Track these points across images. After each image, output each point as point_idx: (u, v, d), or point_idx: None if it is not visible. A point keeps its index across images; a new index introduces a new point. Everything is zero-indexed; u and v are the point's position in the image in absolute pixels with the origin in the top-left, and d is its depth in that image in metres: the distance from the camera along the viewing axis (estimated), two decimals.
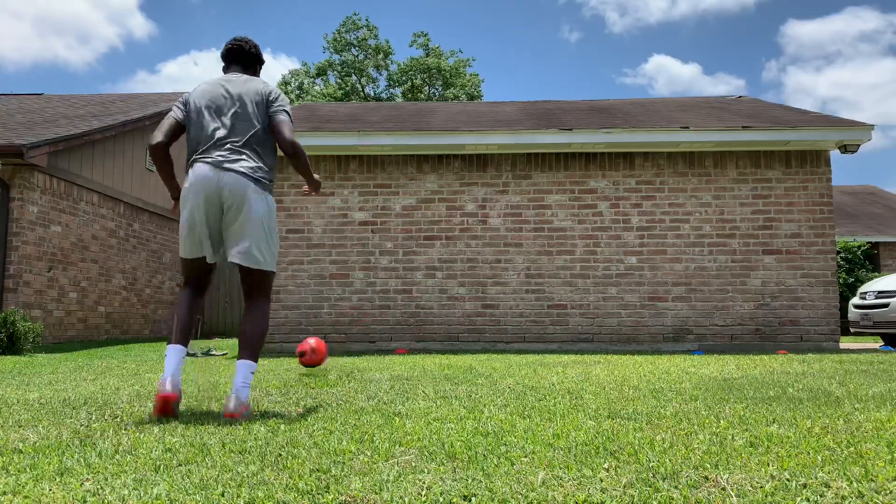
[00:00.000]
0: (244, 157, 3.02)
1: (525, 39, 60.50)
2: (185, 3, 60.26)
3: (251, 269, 3.00)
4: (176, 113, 3.14)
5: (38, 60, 57.22)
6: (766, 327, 8.09)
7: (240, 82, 3.15)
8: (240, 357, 2.93)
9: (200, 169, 2.99)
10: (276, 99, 3.13)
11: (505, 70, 60.04)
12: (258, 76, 3.34)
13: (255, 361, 2.94)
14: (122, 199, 11.92)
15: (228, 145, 3.03)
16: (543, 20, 59.32)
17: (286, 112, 3.13)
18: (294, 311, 8.32)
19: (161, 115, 12.84)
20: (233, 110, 3.07)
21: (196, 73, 59.22)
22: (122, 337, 11.95)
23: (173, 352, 2.93)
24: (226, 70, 3.31)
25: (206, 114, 3.08)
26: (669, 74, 62.14)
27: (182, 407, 3.08)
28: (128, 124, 11.60)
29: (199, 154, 3.03)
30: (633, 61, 63.31)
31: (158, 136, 3.08)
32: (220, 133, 3.04)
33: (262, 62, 3.37)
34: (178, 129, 3.14)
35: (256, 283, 3.04)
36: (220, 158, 2.99)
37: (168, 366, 2.88)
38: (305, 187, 3.49)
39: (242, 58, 3.29)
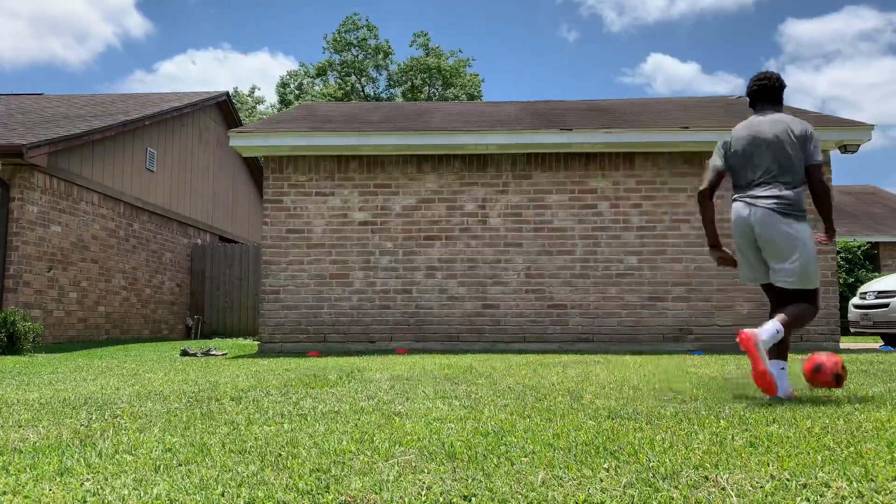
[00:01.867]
0: (774, 191, 3.36)
1: (524, 39, 60.53)
2: (183, 2, 60.28)
3: (788, 289, 3.38)
4: (715, 161, 3.60)
5: (34, 60, 57.19)
6: None
7: (769, 122, 3.46)
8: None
9: (735, 206, 3.48)
10: (810, 139, 3.40)
11: (505, 70, 60.06)
12: (782, 106, 3.61)
13: (784, 326, 3.20)
14: (122, 199, 11.92)
15: (760, 181, 3.41)
16: (542, 20, 59.34)
17: (818, 152, 3.41)
18: (294, 311, 8.32)
19: (161, 116, 12.85)
20: (766, 150, 3.40)
21: (194, 73, 59.23)
22: (122, 337, 11.95)
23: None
24: (754, 106, 3.62)
25: (743, 157, 3.47)
26: (668, 73, 62.17)
27: None
28: (128, 124, 11.60)
29: (735, 194, 3.51)
30: (632, 60, 63.32)
31: (702, 184, 3.62)
32: (752, 173, 3.44)
33: (783, 89, 3.61)
34: (720, 177, 3.58)
35: (791, 295, 3.39)
36: (754, 196, 3.40)
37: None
38: (818, 235, 3.60)
39: (770, 95, 3.57)
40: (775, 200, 3.33)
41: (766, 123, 3.46)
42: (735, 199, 3.51)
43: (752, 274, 3.52)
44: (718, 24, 59.70)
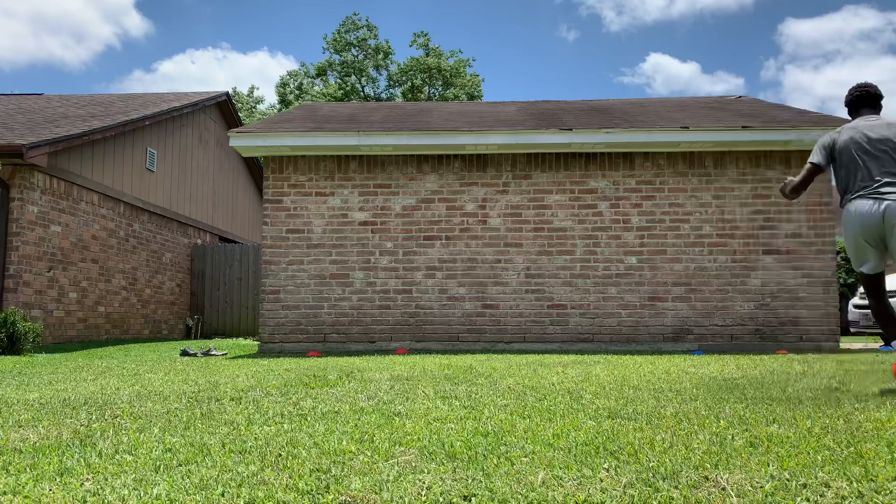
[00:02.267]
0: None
1: (524, 39, 60.49)
2: (182, 2, 60.24)
3: None
4: (816, 158, 3.93)
5: (33, 60, 57.10)
6: (765, 327, 8.09)
7: (882, 125, 3.80)
8: None
9: (860, 203, 3.71)
10: None
11: (505, 70, 60.02)
12: (881, 111, 4.02)
13: None
14: (122, 199, 11.92)
15: (884, 179, 3.69)
16: (541, 20, 59.33)
17: None
18: (294, 311, 8.32)
19: (161, 116, 12.85)
20: (885, 149, 3.72)
21: (193, 72, 59.19)
22: (122, 337, 11.94)
23: None
24: (856, 111, 4.00)
25: (860, 157, 3.76)
26: (668, 73, 62.11)
27: None
28: (128, 124, 11.60)
29: (857, 191, 3.75)
30: (631, 60, 63.25)
31: (796, 178, 3.99)
32: (874, 171, 3.72)
33: (882, 97, 4.03)
34: (816, 173, 3.92)
35: None
36: (881, 192, 3.67)
37: None
38: None
39: (874, 101, 3.97)
40: None
41: (883, 125, 3.80)
42: (857, 197, 3.74)
43: (872, 263, 3.78)
44: (718, 23, 59.68)
